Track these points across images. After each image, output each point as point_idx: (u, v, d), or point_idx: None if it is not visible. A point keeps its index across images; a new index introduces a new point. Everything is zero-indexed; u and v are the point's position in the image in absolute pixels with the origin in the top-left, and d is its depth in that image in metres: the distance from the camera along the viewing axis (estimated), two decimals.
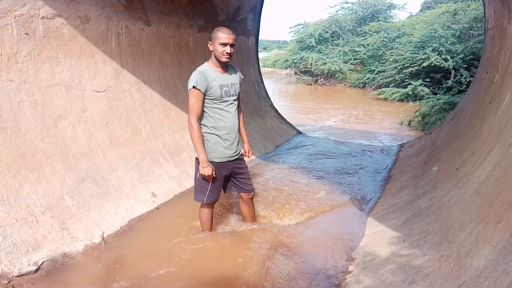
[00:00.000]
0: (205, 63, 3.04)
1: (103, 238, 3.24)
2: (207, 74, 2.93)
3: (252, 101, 7.50)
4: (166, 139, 4.81)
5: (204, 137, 3.01)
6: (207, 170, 2.98)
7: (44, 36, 3.60)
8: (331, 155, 6.22)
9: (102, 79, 4.20)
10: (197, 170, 3.12)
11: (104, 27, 4.23)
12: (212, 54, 2.98)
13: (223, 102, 3.02)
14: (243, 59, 7.40)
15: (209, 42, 2.95)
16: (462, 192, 2.69)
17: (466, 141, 3.88)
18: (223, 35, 2.87)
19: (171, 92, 5.22)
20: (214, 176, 3.05)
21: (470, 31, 14.58)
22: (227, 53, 2.90)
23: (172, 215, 3.80)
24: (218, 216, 3.74)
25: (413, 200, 3.54)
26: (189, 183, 4.44)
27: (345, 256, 3.08)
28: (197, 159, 3.06)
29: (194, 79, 2.89)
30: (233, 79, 3.11)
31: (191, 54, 5.74)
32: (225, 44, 2.88)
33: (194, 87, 2.86)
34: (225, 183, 3.30)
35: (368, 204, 4.20)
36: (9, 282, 2.57)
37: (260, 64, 8.54)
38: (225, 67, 3.07)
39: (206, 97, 2.95)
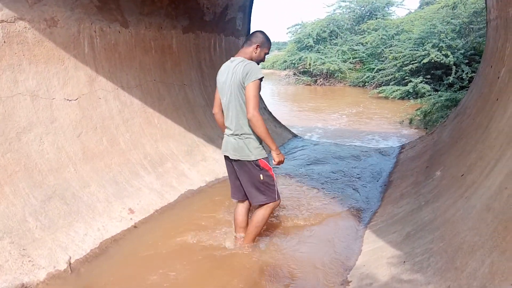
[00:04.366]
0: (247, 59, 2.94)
1: (70, 264, 2.90)
2: None
3: None
4: (147, 148, 4.48)
5: (253, 136, 2.89)
6: (282, 155, 2.96)
7: (4, 42, 3.27)
8: (327, 160, 5.87)
9: (73, 87, 3.87)
10: (264, 170, 2.94)
11: (75, 30, 3.91)
12: (252, 55, 2.98)
13: None
14: None
15: (258, 45, 2.96)
16: (469, 205, 2.34)
17: (471, 143, 3.53)
18: (269, 47, 3.04)
19: (153, 98, 4.90)
20: None
21: (470, 26, 14.21)
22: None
23: (151, 234, 3.46)
24: (205, 229, 3.41)
25: (414, 210, 3.19)
26: (172, 196, 4.11)
27: (339, 279, 2.73)
28: (260, 160, 2.92)
29: (260, 70, 2.81)
30: None
31: (176, 57, 5.42)
32: (267, 54, 3.07)
33: (260, 79, 2.78)
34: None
35: (366, 214, 3.86)
36: None
37: (259, 66, 8.20)
38: None
39: None
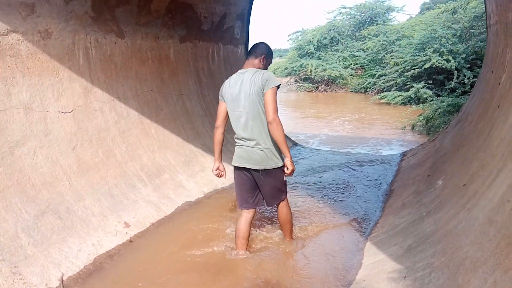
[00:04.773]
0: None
1: (62, 281, 2.83)
2: None
3: None
4: (144, 160, 4.42)
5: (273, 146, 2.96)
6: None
7: None
8: (328, 168, 5.80)
9: (68, 99, 3.83)
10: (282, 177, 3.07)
11: (70, 41, 3.87)
12: (260, 66, 3.06)
13: None
14: (232, 69, 7.02)
15: (264, 56, 3.06)
16: (471, 216, 2.26)
17: (473, 151, 3.45)
18: (272, 57, 3.17)
19: (150, 108, 4.85)
20: None
21: (471, 30, 14.16)
22: None
23: (147, 248, 3.38)
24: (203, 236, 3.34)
25: (416, 221, 3.11)
26: (169, 208, 4.04)
27: None
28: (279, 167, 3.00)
29: (276, 78, 2.91)
30: None
31: (173, 67, 5.37)
32: (270, 64, 3.20)
33: (278, 86, 2.88)
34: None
35: (367, 225, 3.77)
36: None
37: None
38: None
39: None
